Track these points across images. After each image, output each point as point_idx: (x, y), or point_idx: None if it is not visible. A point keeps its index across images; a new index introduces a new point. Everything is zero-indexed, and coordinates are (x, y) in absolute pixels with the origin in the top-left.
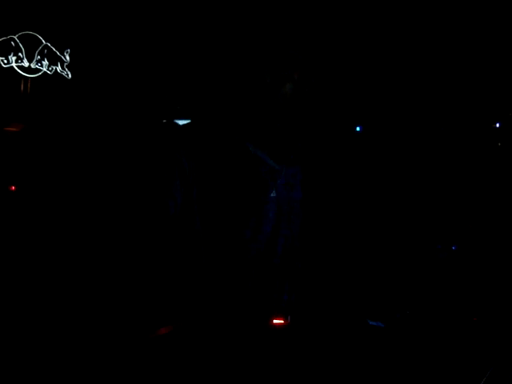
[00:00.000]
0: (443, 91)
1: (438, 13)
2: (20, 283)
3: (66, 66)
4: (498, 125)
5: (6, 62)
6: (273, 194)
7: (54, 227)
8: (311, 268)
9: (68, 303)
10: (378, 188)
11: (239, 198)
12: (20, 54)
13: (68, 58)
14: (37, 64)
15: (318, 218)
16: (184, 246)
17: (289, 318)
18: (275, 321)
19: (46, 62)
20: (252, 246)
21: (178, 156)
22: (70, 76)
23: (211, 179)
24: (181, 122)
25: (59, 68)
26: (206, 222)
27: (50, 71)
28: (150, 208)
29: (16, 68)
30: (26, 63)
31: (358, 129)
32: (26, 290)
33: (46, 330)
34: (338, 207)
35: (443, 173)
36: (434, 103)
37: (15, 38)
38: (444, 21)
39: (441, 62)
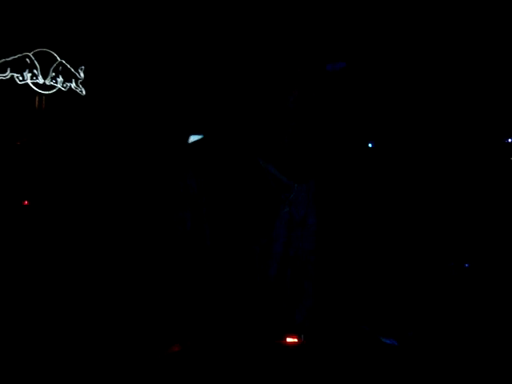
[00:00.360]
0: (458, 108)
1: (455, 30)
2: (38, 300)
3: (81, 83)
4: (510, 140)
5: (21, 78)
6: (286, 209)
7: (69, 245)
8: (324, 285)
9: (83, 321)
10: (391, 206)
11: (250, 213)
12: (35, 70)
13: (82, 74)
14: (51, 81)
15: (331, 234)
16: (195, 264)
17: (302, 336)
18: (288, 339)
19: (60, 79)
20: (263, 260)
21: (186, 176)
22: (84, 92)
23: (222, 195)
24: (196, 137)
25: (73, 84)
26: (216, 238)
27: (65, 88)
28: (159, 228)
29: (31, 85)
30: (40, 80)
31: (370, 145)
32: (44, 306)
33: (62, 346)
34: (351, 224)
35: (457, 190)
36: (447, 118)
37: (30, 55)
38: (461, 38)
39: (456, 79)
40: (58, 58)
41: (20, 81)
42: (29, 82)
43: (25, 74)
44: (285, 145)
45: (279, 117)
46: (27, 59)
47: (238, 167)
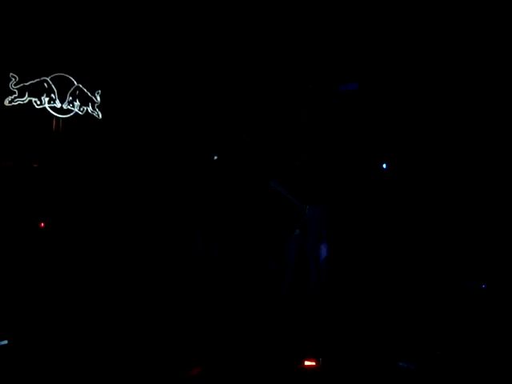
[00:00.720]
0: (471, 126)
1: (467, 50)
2: (57, 318)
3: (97, 107)
4: None
5: (38, 103)
6: (296, 233)
7: (84, 266)
8: (340, 308)
9: (100, 342)
10: (407, 226)
11: (262, 236)
12: (52, 95)
13: (99, 98)
14: (69, 105)
15: (345, 256)
16: (207, 287)
17: (320, 360)
18: (307, 363)
19: (77, 103)
20: (274, 285)
21: (197, 200)
22: (100, 116)
23: (233, 217)
24: (214, 158)
25: (90, 108)
26: (227, 261)
27: (82, 112)
28: (171, 251)
29: (48, 109)
30: (58, 104)
31: (384, 166)
32: (60, 326)
33: (80, 366)
34: (365, 246)
35: (473, 210)
36: (461, 136)
37: (48, 79)
38: (473, 56)
39: (469, 99)
40: (75, 83)
41: (38, 105)
42: (46, 106)
43: (42, 98)
44: (296, 167)
45: (290, 137)
46: (45, 84)
47: (249, 189)
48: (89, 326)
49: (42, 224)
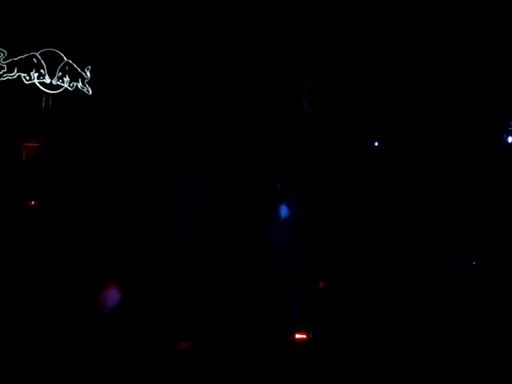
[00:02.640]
0: (462, 108)
1: (457, 32)
2: (43, 302)
3: (87, 83)
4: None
5: (28, 78)
6: (282, 204)
7: (75, 244)
8: (328, 282)
9: (90, 319)
10: (391, 199)
11: (249, 207)
12: (42, 70)
13: (89, 74)
14: (58, 80)
15: (328, 230)
16: (198, 262)
17: (311, 333)
18: (297, 336)
19: (67, 79)
20: (264, 254)
21: (185, 173)
22: (90, 92)
23: (222, 190)
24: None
25: (80, 84)
26: (219, 232)
27: (71, 87)
28: (162, 226)
29: (38, 84)
30: (47, 80)
31: (376, 144)
32: (50, 306)
33: (69, 342)
34: (353, 221)
35: (462, 187)
36: (452, 118)
37: (37, 54)
38: (464, 39)
39: (459, 81)
40: (65, 58)
41: (27, 80)
42: (36, 81)
43: (32, 73)
44: (280, 136)
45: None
46: (34, 59)
47: (235, 160)
48: (82, 303)
49: (33, 202)
